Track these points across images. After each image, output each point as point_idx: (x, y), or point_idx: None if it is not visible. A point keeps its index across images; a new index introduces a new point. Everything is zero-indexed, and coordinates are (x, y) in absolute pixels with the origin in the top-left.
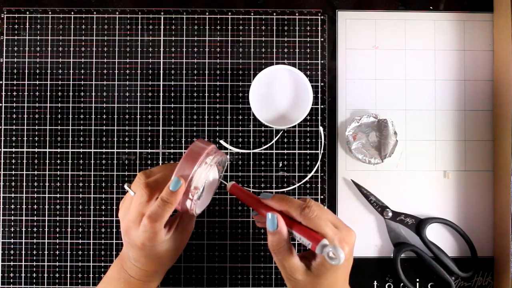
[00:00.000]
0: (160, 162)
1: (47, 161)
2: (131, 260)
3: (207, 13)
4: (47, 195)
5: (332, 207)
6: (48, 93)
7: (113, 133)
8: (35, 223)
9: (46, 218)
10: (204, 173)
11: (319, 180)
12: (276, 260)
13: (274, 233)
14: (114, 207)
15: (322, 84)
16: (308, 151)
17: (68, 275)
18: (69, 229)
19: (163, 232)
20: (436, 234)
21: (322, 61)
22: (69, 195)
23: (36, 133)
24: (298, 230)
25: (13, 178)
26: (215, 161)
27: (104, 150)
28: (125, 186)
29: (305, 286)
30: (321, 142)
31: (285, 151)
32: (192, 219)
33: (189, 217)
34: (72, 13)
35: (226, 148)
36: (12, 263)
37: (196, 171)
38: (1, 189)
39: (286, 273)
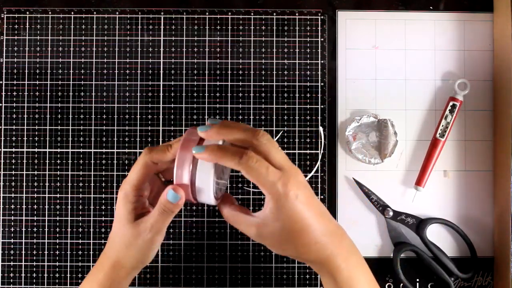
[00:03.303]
0: None
1: (47, 161)
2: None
3: (207, 13)
4: (47, 195)
5: (332, 207)
6: (48, 93)
7: (113, 133)
8: (35, 223)
9: (46, 218)
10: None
11: (319, 180)
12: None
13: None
14: (114, 207)
15: (322, 84)
16: (308, 151)
17: (68, 275)
18: (69, 229)
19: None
20: (436, 234)
21: (322, 61)
22: (69, 195)
23: (36, 133)
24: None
25: (13, 178)
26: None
27: (104, 150)
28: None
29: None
30: (321, 142)
31: (285, 151)
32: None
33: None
34: (72, 13)
35: None
36: (12, 263)
37: (197, 173)
38: (1, 189)
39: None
